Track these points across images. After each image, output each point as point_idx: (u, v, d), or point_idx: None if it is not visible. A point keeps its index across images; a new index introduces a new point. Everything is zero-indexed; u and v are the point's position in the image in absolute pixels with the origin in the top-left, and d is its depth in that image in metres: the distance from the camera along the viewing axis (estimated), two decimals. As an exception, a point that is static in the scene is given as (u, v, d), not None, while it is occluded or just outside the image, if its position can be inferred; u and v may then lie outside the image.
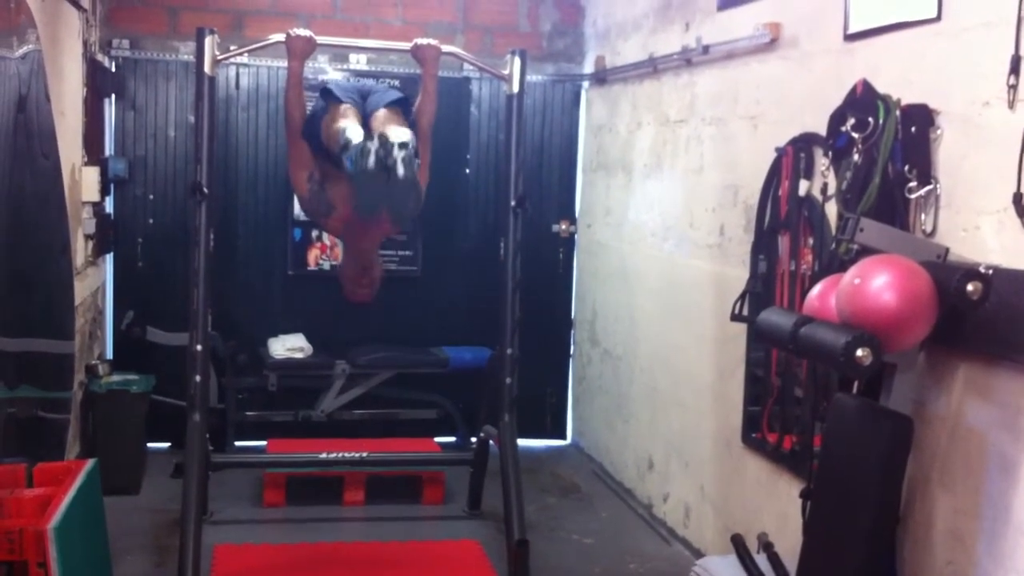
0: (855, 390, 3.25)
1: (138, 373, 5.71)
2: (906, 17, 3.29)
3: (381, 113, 4.55)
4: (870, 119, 3.24)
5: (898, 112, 3.19)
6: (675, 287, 5.20)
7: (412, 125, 4.56)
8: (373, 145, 4.03)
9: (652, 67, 5.43)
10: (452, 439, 6.47)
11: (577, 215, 6.80)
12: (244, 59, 6.12)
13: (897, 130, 3.17)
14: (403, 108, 4.67)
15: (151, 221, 6.24)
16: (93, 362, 5.60)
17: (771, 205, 4.14)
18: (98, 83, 5.74)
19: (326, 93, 4.68)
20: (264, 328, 6.33)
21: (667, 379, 5.30)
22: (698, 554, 4.77)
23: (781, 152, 4.02)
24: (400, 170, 4.02)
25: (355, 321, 6.33)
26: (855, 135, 3.28)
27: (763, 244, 4.18)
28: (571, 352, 6.87)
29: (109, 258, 6.18)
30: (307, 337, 6.21)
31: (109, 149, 6.12)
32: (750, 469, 4.36)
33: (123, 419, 5.49)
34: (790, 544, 3.55)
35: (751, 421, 4.34)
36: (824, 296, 3.11)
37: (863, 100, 3.33)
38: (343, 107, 4.55)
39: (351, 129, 4.23)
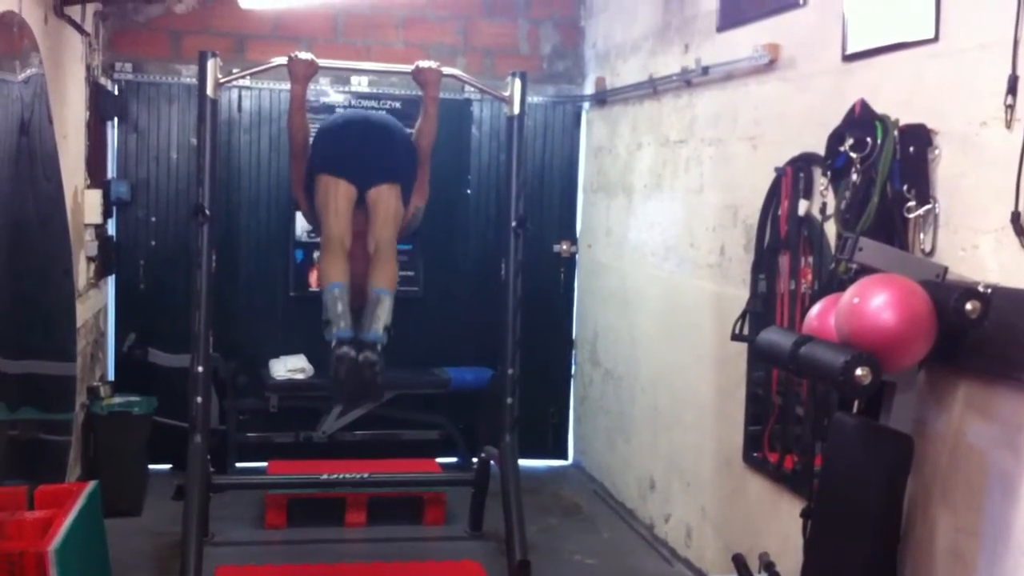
0: (855, 409, 3.25)
1: (139, 395, 5.70)
2: (904, 38, 3.31)
3: (380, 192, 4.68)
4: (868, 139, 3.26)
5: (896, 132, 3.20)
6: (676, 307, 5.20)
7: (410, 200, 4.78)
8: (345, 364, 4.35)
9: (652, 88, 5.46)
10: (453, 459, 6.46)
11: (578, 235, 6.81)
12: (246, 82, 6.14)
13: (895, 150, 3.19)
14: (404, 183, 4.76)
15: (153, 243, 6.26)
16: (95, 384, 5.60)
17: (771, 225, 4.15)
18: (101, 106, 5.77)
19: (317, 165, 4.73)
20: (265, 349, 6.33)
21: (668, 399, 5.30)
22: (700, 574, 4.77)
23: (780, 172, 4.04)
24: (374, 381, 4.42)
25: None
26: (854, 155, 3.30)
27: (763, 264, 4.19)
28: (572, 372, 6.87)
29: (111, 280, 6.20)
30: (308, 358, 6.21)
31: (112, 172, 6.15)
32: (751, 489, 4.35)
33: (124, 441, 5.49)
34: (792, 564, 3.55)
35: (752, 441, 4.34)
36: (823, 315, 3.12)
37: (861, 120, 3.35)
38: (338, 188, 4.64)
39: (332, 308, 4.45)
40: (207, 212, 4.55)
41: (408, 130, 4.92)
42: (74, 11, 5.04)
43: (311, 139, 4.86)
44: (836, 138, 3.45)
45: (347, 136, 4.83)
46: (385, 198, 4.69)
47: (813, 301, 3.46)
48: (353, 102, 6.42)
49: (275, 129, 6.29)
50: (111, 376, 6.16)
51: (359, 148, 4.74)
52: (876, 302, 2.83)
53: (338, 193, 4.64)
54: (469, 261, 6.67)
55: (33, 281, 4.44)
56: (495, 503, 5.01)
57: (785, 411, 4.05)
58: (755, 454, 4.30)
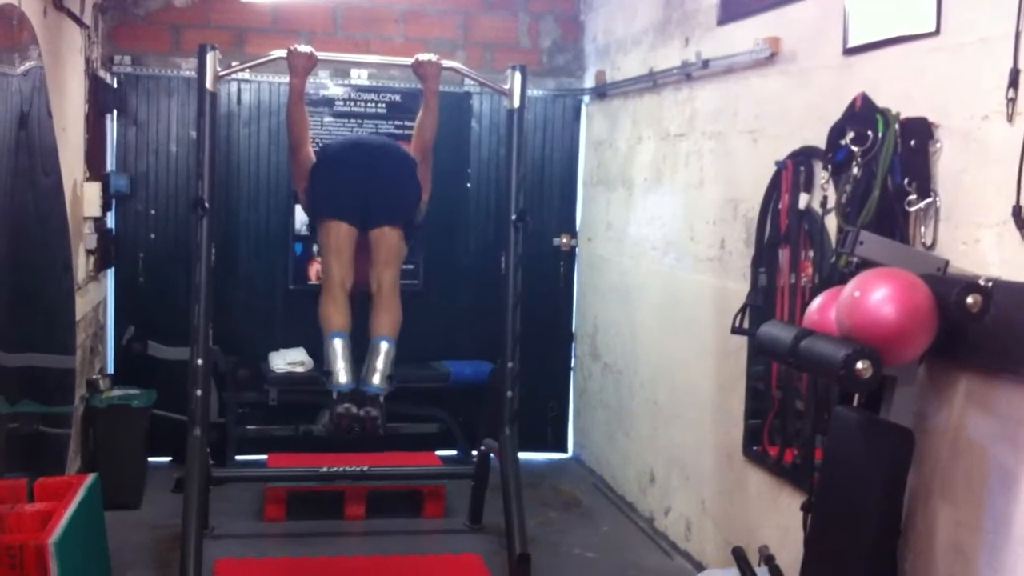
0: (856, 403, 3.25)
1: (139, 388, 5.71)
2: (905, 31, 3.30)
3: (381, 233, 4.71)
4: (869, 133, 3.25)
5: (897, 126, 3.20)
6: (676, 301, 5.20)
7: (410, 242, 4.87)
8: (346, 420, 4.42)
9: (652, 82, 5.45)
10: (453, 453, 6.46)
11: (578, 229, 6.81)
12: (246, 75, 6.13)
13: (896, 144, 3.19)
14: (406, 222, 4.79)
15: (152, 236, 6.25)
16: (94, 377, 5.60)
17: (771, 219, 4.15)
18: (100, 99, 5.76)
19: (318, 209, 4.73)
20: (265, 342, 6.33)
21: (668, 393, 5.30)
22: (699, 568, 4.77)
23: (781, 166, 4.03)
24: (375, 433, 4.48)
25: (356, 335, 6.32)
26: (854, 149, 3.29)
27: (763, 257, 4.19)
28: (572, 366, 6.87)
29: (110, 273, 6.19)
30: (308, 351, 6.20)
31: (111, 165, 6.14)
32: (751, 482, 4.36)
33: (124, 434, 5.49)
34: (791, 557, 3.55)
35: (752, 434, 4.34)
36: (824, 309, 3.12)
37: (862, 114, 3.35)
38: (339, 230, 4.67)
39: (334, 360, 4.49)
40: (206, 205, 4.54)
41: (408, 151, 4.86)
42: (73, 4, 5.03)
43: (312, 164, 4.82)
44: (837, 132, 3.44)
45: (347, 175, 4.75)
46: (386, 238, 4.72)
47: (814, 295, 3.45)
48: (353, 95, 6.41)
49: (275, 122, 6.28)
50: (110, 369, 6.16)
51: (360, 189, 4.69)
52: (877, 296, 2.83)
53: (339, 234, 4.67)
54: (469, 255, 6.66)
55: (32, 274, 4.43)
56: (495, 496, 5.01)
57: (785, 405, 4.05)
58: (755, 448, 4.31)
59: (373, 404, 4.41)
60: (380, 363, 4.48)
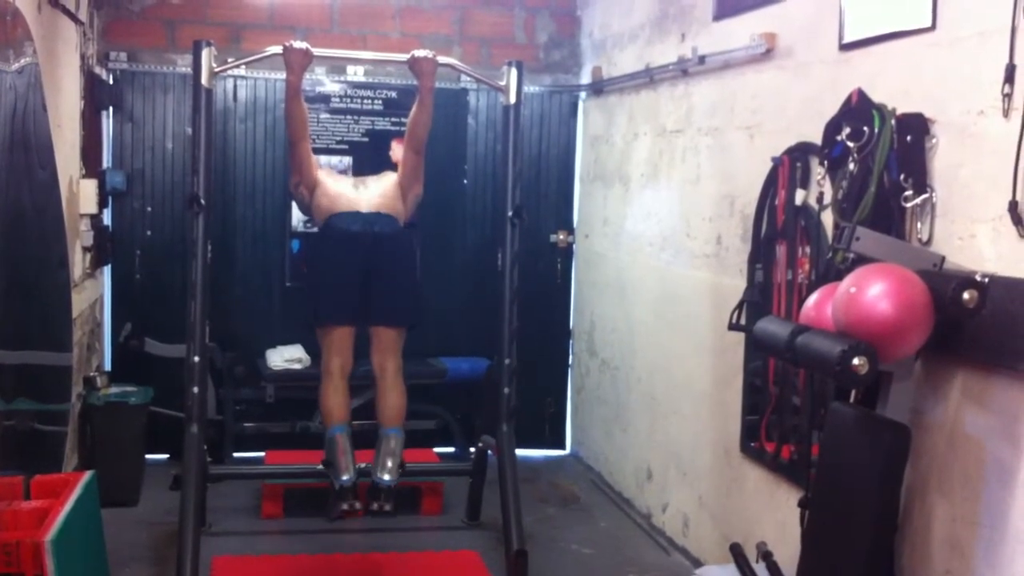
0: (852, 399, 3.25)
1: (136, 385, 5.70)
2: (901, 27, 3.30)
3: (381, 330, 4.70)
4: (865, 128, 3.25)
5: (893, 121, 3.20)
6: (672, 297, 5.20)
7: (413, 327, 4.80)
8: (349, 512, 4.48)
9: (648, 78, 5.44)
10: (451, 449, 6.46)
11: (575, 225, 6.80)
12: (242, 71, 6.12)
13: (893, 139, 3.18)
14: (405, 323, 4.76)
15: (149, 233, 6.24)
16: (91, 374, 5.59)
17: (768, 215, 4.15)
18: (96, 96, 5.75)
19: (318, 315, 4.70)
20: (262, 339, 6.32)
21: (665, 389, 5.30)
22: (697, 563, 4.77)
23: (777, 162, 4.03)
24: (382, 513, 4.52)
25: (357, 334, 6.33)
26: (851, 144, 3.29)
27: (760, 253, 4.19)
28: (569, 362, 6.87)
29: (107, 270, 6.19)
30: (305, 348, 6.20)
31: (107, 161, 6.13)
32: (749, 478, 4.36)
33: (121, 431, 5.48)
34: (789, 553, 3.55)
35: (749, 430, 4.34)
36: (820, 305, 3.11)
37: (858, 109, 3.34)
38: (341, 330, 4.65)
39: (334, 454, 4.50)
40: (202, 202, 4.53)
41: (409, 242, 4.86)
42: (68, 0, 5.02)
43: (310, 257, 4.84)
44: (833, 127, 3.44)
45: (345, 287, 4.67)
46: (387, 333, 4.73)
47: (810, 291, 3.45)
48: (349, 91, 6.40)
49: (271, 119, 6.27)
50: (107, 366, 6.15)
51: (360, 295, 4.66)
52: (873, 291, 2.83)
53: (341, 335, 4.68)
54: (466, 251, 6.66)
55: (29, 271, 4.42)
56: (492, 493, 5.01)
57: (782, 401, 4.05)
58: (752, 444, 4.31)
59: (386, 497, 4.49)
60: (391, 459, 4.57)
